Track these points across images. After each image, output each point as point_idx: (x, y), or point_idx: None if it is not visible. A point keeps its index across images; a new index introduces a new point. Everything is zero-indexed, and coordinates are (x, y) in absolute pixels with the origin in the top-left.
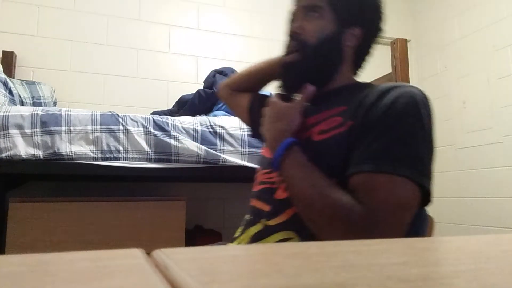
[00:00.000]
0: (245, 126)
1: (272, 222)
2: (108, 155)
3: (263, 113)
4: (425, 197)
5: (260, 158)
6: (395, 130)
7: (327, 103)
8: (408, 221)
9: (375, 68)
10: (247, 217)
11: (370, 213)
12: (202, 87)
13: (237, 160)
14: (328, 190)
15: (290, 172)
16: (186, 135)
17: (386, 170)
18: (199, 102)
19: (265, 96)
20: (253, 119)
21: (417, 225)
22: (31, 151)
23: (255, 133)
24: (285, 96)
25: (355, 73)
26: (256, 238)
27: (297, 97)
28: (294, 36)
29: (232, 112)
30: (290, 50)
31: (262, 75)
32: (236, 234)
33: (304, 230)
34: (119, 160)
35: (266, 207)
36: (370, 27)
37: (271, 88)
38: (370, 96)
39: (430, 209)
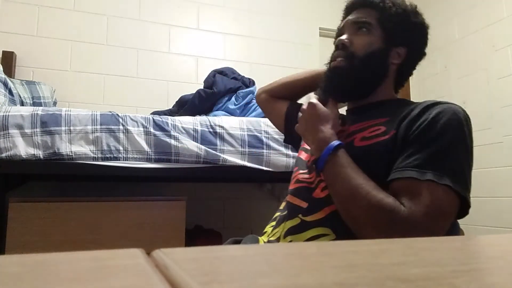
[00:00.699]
0: (245, 127)
1: (309, 218)
2: (108, 155)
3: (301, 111)
4: (462, 209)
5: (297, 159)
6: (439, 142)
7: (369, 114)
8: (446, 229)
9: None
10: (279, 213)
11: (413, 216)
12: (202, 87)
13: (237, 160)
14: (374, 190)
15: (335, 171)
16: (186, 135)
17: (429, 179)
18: (199, 102)
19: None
20: (288, 127)
21: (451, 235)
22: (31, 151)
23: (289, 139)
24: (322, 100)
25: (396, 91)
26: (292, 232)
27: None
28: (342, 47)
29: (267, 117)
30: (336, 59)
31: (302, 84)
32: (266, 229)
33: (340, 228)
34: (119, 160)
35: (303, 204)
36: (415, 48)
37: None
38: (414, 109)
39: None
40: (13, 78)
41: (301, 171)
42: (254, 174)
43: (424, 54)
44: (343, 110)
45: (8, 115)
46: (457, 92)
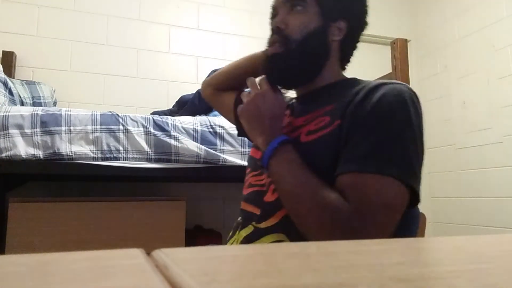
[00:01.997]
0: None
1: (262, 225)
2: (108, 155)
3: (246, 98)
4: (414, 197)
5: (248, 159)
6: (382, 129)
7: (315, 103)
8: (396, 221)
9: (375, 68)
10: (239, 220)
11: (357, 212)
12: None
13: (237, 160)
14: (318, 188)
15: (279, 169)
16: (186, 135)
17: (373, 170)
18: (199, 102)
19: None
20: (239, 119)
21: (408, 224)
22: (31, 151)
23: (242, 132)
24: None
25: (343, 68)
26: (247, 241)
27: (282, 90)
28: (278, 31)
29: (217, 111)
30: (273, 44)
31: (244, 71)
32: (228, 237)
33: (293, 232)
34: (119, 160)
35: (256, 210)
36: (355, 20)
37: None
38: (358, 93)
39: (430, 210)
40: (13, 78)
41: (253, 173)
42: None
43: (365, 23)
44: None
45: (8, 115)
46: (457, 92)
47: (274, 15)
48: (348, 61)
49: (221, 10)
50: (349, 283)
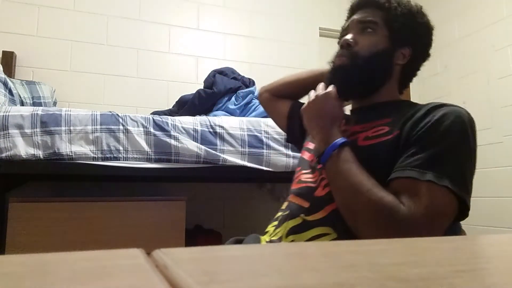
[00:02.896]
0: (245, 127)
1: (310, 218)
2: (108, 155)
3: (314, 95)
4: (462, 211)
5: (300, 159)
6: (442, 143)
7: (373, 115)
8: (444, 229)
9: None
10: (281, 213)
11: (412, 215)
12: (202, 87)
13: (237, 160)
14: (375, 187)
15: (338, 166)
16: (186, 135)
17: (429, 179)
18: (199, 102)
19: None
20: (291, 126)
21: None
22: (31, 151)
23: (291, 139)
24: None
25: (400, 92)
26: (294, 231)
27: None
28: (346, 46)
29: (270, 116)
30: (339, 58)
31: (305, 84)
32: (268, 229)
33: (340, 226)
34: (119, 160)
35: (305, 204)
36: (420, 49)
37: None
38: (419, 110)
39: None
40: (13, 78)
41: (304, 171)
42: (254, 174)
43: (428, 55)
44: (347, 110)
45: (8, 115)
46: (457, 92)
47: (344, 34)
48: (407, 86)
49: (221, 10)
50: (349, 283)
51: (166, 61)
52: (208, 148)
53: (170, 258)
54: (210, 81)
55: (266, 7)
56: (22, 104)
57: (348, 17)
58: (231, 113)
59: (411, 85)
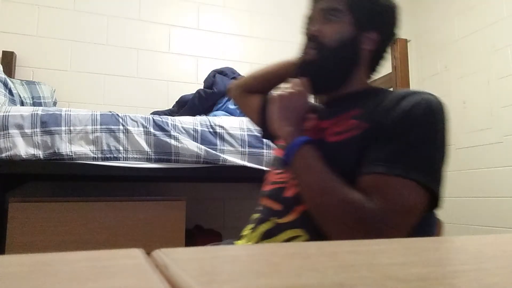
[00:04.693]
0: (245, 127)
1: (282, 220)
2: (108, 155)
3: (270, 103)
4: (435, 202)
5: (273, 158)
6: (409, 135)
7: (342, 107)
8: (413, 224)
9: None
10: (256, 215)
11: (379, 212)
12: (202, 87)
13: (237, 160)
14: (341, 185)
15: (303, 166)
16: (186, 135)
17: (397, 174)
18: (199, 102)
19: None
20: (264, 121)
21: (427, 228)
22: (31, 151)
23: (266, 134)
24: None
25: (369, 77)
26: (267, 236)
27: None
28: (312, 38)
29: (242, 112)
30: (307, 51)
31: (274, 76)
32: (244, 232)
33: (312, 228)
34: (119, 160)
35: (276, 206)
36: (386, 32)
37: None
38: (387, 101)
39: None
40: (13, 78)
41: (276, 171)
42: (254, 174)
43: (395, 35)
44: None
45: (8, 115)
46: (457, 92)
47: (308, 23)
48: (376, 71)
49: (221, 10)
50: (349, 283)
51: (166, 61)
52: (208, 148)
53: (170, 258)
54: (210, 81)
55: (266, 7)
56: (22, 104)
57: (312, 4)
58: (231, 113)
59: (411, 85)
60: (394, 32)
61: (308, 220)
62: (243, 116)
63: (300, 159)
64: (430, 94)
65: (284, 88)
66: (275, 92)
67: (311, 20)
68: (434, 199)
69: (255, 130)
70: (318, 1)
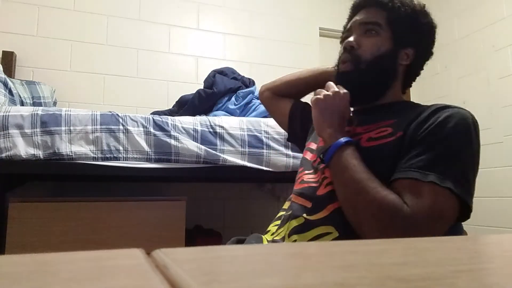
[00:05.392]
0: (245, 127)
1: (313, 217)
2: (108, 155)
3: (314, 105)
4: (464, 213)
5: (302, 160)
6: (445, 145)
7: (376, 115)
8: (443, 231)
9: None
10: (283, 213)
11: (414, 215)
12: (202, 87)
13: (237, 160)
14: (379, 185)
15: (341, 163)
16: (186, 135)
17: (431, 180)
18: (199, 102)
19: (306, 104)
20: (292, 125)
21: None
22: (31, 151)
23: (293, 138)
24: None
25: (404, 92)
26: (296, 231)
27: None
28: (349, 49)
29: (271, 115)
30: (344, 62)
31: (305, 83)
32: (269, 228)
33: (342, 225)
34: (119, 160)
35: (307, 204)
36: (423, 49)
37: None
38: (423, 112)
39: None
40: (13, 78)
41: (306, 172)
42: (254, 174)
43: (431, 53)
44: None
45: (8, 115)
46: (457, 92)
47: (347, 35)
48: (410, 86)
49: (221, 10)
50: (349, 283)
51: (166, 61)
52: (208, 148)
53: (170, 258)
54: (210, 81)
55: (266, 7)
56: (22, 104)
57: (350, 17)
58: (231, 113)
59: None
60: (430, 50)
61: (339, 217)
62: (271, 117)
63: (342, 156)
64: (464, 109)
65: (330, 89)
66: (319, 95)
67: (349, 31)
68: (463, 210)
69: (284, 133)
70: (358, 13)
